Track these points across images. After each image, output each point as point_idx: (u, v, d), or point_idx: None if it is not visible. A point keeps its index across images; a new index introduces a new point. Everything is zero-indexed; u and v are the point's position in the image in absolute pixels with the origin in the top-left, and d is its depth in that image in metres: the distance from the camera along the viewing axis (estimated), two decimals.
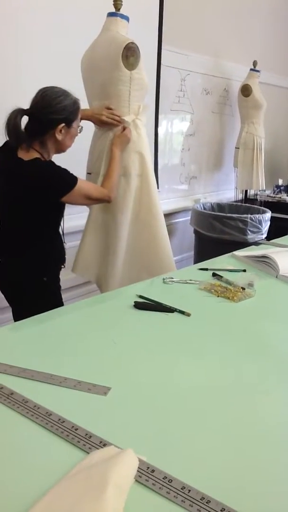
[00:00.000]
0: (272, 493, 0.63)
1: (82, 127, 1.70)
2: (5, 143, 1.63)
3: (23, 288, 1.67)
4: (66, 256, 1.79)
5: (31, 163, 1.54)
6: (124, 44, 1.79)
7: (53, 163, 1.60)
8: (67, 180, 1.58)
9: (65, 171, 1.58)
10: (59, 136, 1.58)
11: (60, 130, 1.58)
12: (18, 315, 1.65)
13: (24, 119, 1.56)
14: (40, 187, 1.55)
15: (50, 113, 1.54)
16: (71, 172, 1.60)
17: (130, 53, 1.80)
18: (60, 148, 1.65)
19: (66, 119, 1.58)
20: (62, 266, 1.78)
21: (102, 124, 1.89)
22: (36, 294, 1.65)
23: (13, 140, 1.56)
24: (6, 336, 1.08)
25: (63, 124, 1.57)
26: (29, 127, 1.57)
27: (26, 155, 1.56)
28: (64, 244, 1.79)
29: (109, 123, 1.87)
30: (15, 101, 1.85)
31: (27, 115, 1.55)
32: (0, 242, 1.69)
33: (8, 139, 1.57)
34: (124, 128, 1.89)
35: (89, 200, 1.70)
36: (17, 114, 1.52)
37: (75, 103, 1.60)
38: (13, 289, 1.71)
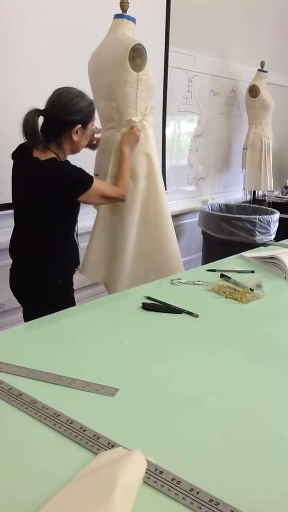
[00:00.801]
0: (281, 496, 0.63)
1: (96, 128, 1.70)
2: (21, 145, 1.64)
3: (36, 290, 1.67)
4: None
5: (48, 162, 1.55)
6: (131, 45, 1.79)
7: (69, 162, 1.61)
8: (84, 179, 1.59)
9: (81, 170, 1.59)
10: (75, 137, 1.59)
11: (77, 132, 1.58)
12: (30, 317, 1.65)
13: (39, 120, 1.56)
14: (57, 186, 1.55)
15: (66, 114, 1.55)
16: (86, 171, 1.61)
17: (137, 55, 1.81)
18: (75, 148, 1.65)
19: (83, 120, 1.58)
20: (76, 269, 1.78)
21: (94, 146, 1.91)
22: (50, 296, 1.65)
23: (31, 141, 1.56)
24: (15, 337, 1.09)
25: (79, 126, 1.58)
26: (46, 128, 1.57)
27: (42, 155, 1.57)
28: (78, 246, 1.78)
29: (94, 140, 1.89)
30: (22, 102, 1.86)
31: (43, 116, 1.55)
32: (15, 243, 1.70)
33: (25, 140, 1.57)
34: (131, 127, 1.90)
35: (105, 199, 1.70)
36: (34, 114, 1.52)
37: (91, 104, 1.61)
38: (26, 291, 1.70)
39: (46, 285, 1.67)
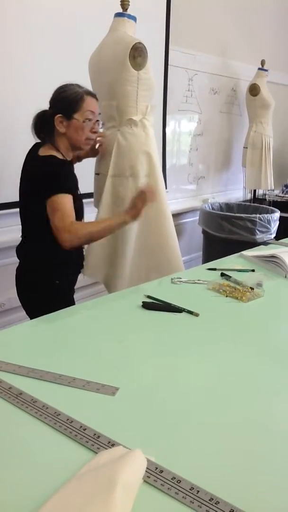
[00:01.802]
0: (281, 494, 0.63)
1: (99, 122, 1.64)
2: (35, 144, 1.64)
3: (37, 291, 1.65)
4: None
5: (41, 158, 1.53)
6: (132, 44, 1.79)
7: (60, 163, 1.53)
8: (56, 184, 1.48)
9: (64, 176, 1.51)
10: (60, 129, 1.55)
11: (60, 122, 1.54)
12: (31, 318, 1.64)
13: None
14: (38, 181, 1.52)
15: (50, 107, 1.56)
16: (72, 183, 1.54)
17: (137, 53, 1.81)
18: (72, 143, 1.59)
19: (62, 108, 1.54)
20: (80, 272, 1.76)
21: (93, 151, 1.91)
22: (49, 297, 1.63)
23: (40, 139, 1.59)
24: (15, 336, 1.09)
25: (59, 115, 1.54)
26: (45, 126, 1.58)
27: (44, 151, 1.56)
28: (84, 249, 1.74)
29: (95, 145, 1.88)
30: (22, 103, 1.86)
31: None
32: (20, 248, 1.69)
33: (38, 140, 1.59)
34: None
35: (51, 217, 1.47)
36: (39, 114, 1.56)
37: (77, 94, 1.54)
38: (28, 292, 1.68)
39: (42, 285, 1.64)
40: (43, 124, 1.57)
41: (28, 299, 1.69)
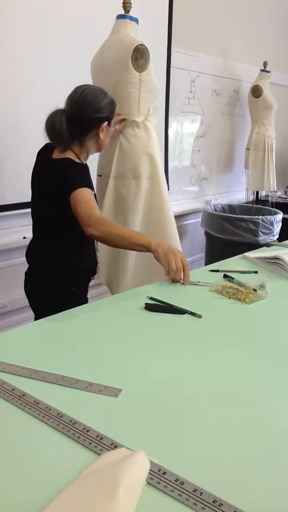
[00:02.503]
0: (285, 496, 0.63)
1: (116, 126, 1.66)
2: (46, 144, 1.61)
3: (50, 298, 1.60)
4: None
5: (60, 161, 1.52)
6: (133, 46, 1.79)
7: (81, 165, 1.55)
8: (81, 180, 1.50)
9: (86, 175, 1.54)
10: (101, 135, 1.56)
11: (103, 129, 1.55)
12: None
13: None
14: (58, 183, 1.51)
15: (93, 112, 1.51)
16: (92, 184, 1.56)
17: (139, 55, 1.81)
18: (100, 147, 1.62)
19: (108, 117, 1.56)
20: (92, 278, 1.73)
21: None
22: (60, 304, 1.61)
23: (57, 143, 1.53)
24: (18, 338, 1.09)
25: (106, 123, 1.55)
26: (70, 127, 1.50)
27: (60, 154, 1.54)
28: (97, 252, 1.72)
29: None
30: (23, 104, 1.86)
31: (68, 116, 1.50)
32: (31, 245, 1.67)
33: (51, 141, 1.54)
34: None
35: (78, 206, 1.46)
36: (61, 115, 1.49)
37: (113, 101, 1.59)
38: (41, 298, 1.64)
39: (58, 290, 1.61)
40: (74, 128, 1.51)
41: (41, 303, 1.65)
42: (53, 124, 1.49)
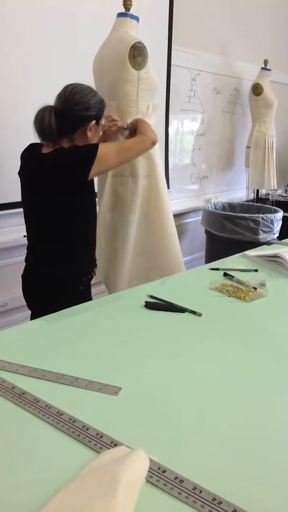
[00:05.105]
0: (284, 494, 0.63)
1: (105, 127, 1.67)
2: (31, 144, 1.61)
3: (54, 299, 1.56)
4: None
5: (53, 152, 1.51)
6: (131, 43, 1.79)
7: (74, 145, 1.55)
8: (87, 148, 1.52)
9: (84, 145, 1.54)
10: (89, 134, 1.56)
11: (90, 128, 1.56)
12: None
13: None
14: (65, 168, 1.49)
15: (81, 110, 1.52)
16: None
17: (137, 53, 1.80)
18: None
19: (96, 116, 1.56)
20: (93, 274, 1.73)
21: (105, 136, 1.86)
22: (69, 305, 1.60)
23: (46, 139, 1.53)
24: (18, 336, 1.09)
25: (94, 121, 1.55)
26: (59, 124, 1.51)
27: (50, 150, 1.53)
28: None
29: (111, 130, 1.84)
30: (23, 104, 1.85)
31: (57, 112, 1.50)
32: (29, 246, 1.65)
33: (40, 137, 1.53)
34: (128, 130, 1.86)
35: (130, 151, 1.65)
36: (50, 111, 1.49)
37: (103, 100, 1.59)
38: (44, 300, 1.61)
39: (64, 293, 1.59)
40: (62, 125, 1.51)
41: (43, 304, 1.62)
42: (42, 119, 1.49)
